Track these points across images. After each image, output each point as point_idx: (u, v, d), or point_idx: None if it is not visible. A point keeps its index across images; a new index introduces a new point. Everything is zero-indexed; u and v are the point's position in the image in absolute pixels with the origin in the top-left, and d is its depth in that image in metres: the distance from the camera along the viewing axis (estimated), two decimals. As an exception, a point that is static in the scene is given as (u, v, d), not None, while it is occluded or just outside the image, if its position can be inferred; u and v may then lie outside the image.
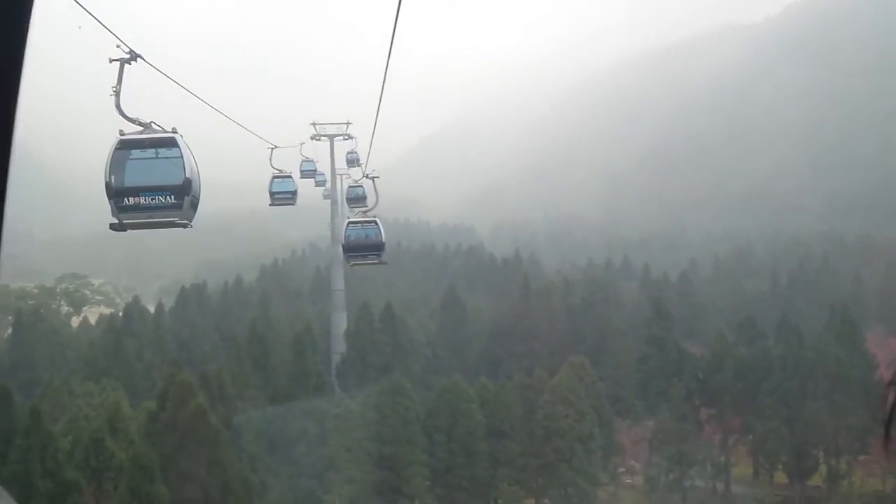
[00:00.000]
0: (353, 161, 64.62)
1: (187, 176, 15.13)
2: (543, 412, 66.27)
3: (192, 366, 71.31)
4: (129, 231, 14.90)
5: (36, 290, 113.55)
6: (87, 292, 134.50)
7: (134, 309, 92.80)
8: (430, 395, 69.36)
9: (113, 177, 14.87)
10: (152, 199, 15.10)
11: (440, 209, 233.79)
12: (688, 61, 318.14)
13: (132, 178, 15.07)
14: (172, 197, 15.15)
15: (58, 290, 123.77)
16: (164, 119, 14.83)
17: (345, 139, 75.95)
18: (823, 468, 71.86)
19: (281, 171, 44.77)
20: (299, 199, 46.70)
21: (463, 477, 64.55)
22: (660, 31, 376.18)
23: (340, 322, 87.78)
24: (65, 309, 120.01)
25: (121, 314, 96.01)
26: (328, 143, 78.55)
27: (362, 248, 32.82)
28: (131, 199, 14.97)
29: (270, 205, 45.31)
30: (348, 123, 76.28)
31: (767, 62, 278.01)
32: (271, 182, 44.38)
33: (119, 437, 54.09)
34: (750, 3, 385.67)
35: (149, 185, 15.12)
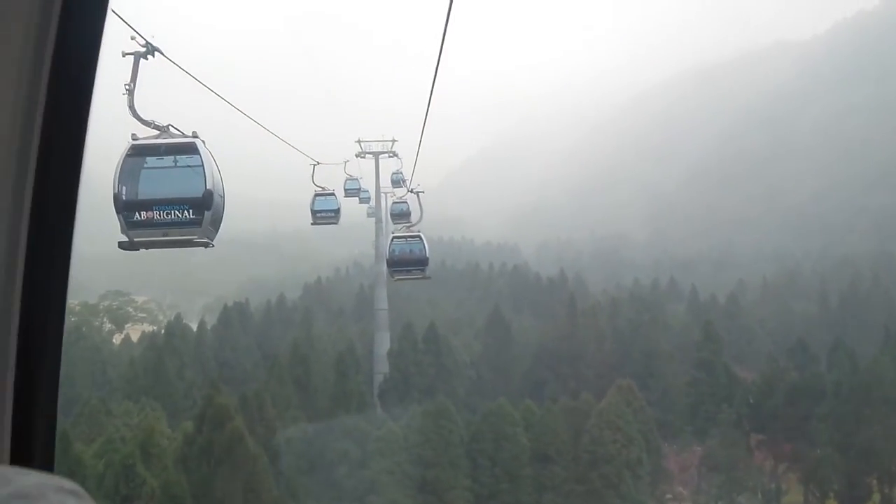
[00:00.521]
0: (398, 182, 63.57)
1: (208, 187, 13.45)
2: (590, 437, 64.86)
3: (234, 385, 70.71)
4: (173, 249, 13.56)
5: (79, 308, 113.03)
6: (131, 309, 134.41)
7: (176, 327, 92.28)
8: (475, 417, 68.19)
9: (123, 188, 13.18)
10: (168, 214, 13.40)
11: (485, 228, 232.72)
12: (736, 79, 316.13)
13: (145, 190, 13.43)
14: (191, 211, 13.50)
15: (101, 307, 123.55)
16: (207, 137, 13.43)
17: (390, 157, 75.04)
18: (877, 496, 69.58)
19: (324, 188, 43.61)
20: (343, 217, 45.73)
21: (507, 502, 63.26)
22: (708, 49, 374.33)
23: (383, 341, 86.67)
24: (107, 326, 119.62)
25: (162, 332, 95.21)
26: (373, 162, 77.93)
27: (406, 263, 33.19)
28: (143, 213, 13.31)
29: (312, 223, 43.95)
30: (393, 141, 75.34)
31: (816, 80, 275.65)
32: (313, 200, 43.06)
33: (152, 462, 53.10)
34: (798, 21, 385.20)
35: (164, 198, 13.43)
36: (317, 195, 43.14)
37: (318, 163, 43.75)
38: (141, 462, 52.18)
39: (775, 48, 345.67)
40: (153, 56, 13.18)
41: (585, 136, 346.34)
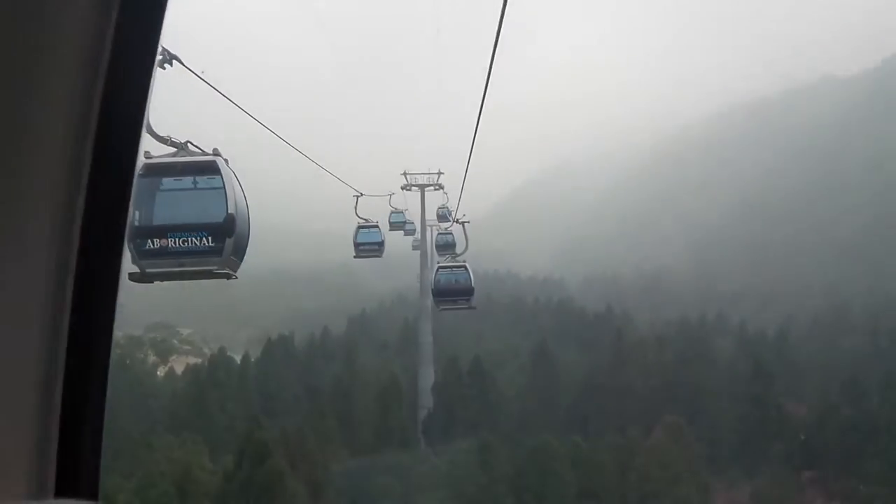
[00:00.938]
0: (444, 216, 63.01)
1: (230, 212, 12.36)
2: (638, 474, 63.79)
3: (276, 418, 70.12)
4: (217, 281, 12.73)
5: (123, 340, 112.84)
6: (176, 342, 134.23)
7: (219, 359, 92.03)
8: (520, 453, 67.17)
9: (135, 212, 11.97)
10: (184, 242, 12.33)
11: (530, 261, 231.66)
12: (783, 113, 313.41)
13: (160, 215, 12.45)
14: (210, 239, 12.42)
15: (145, 339, 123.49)
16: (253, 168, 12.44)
17: (435, 189, 74.70)
18: (931, 534, 68.02)
19: (367, 220, 42.84)
20: (388, 250, 45.35)
21: (553, 541, 62.28)
22: (755, 83, 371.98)
23: (427, 375, 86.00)
24: (151, 359, 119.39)
25: (205, 364, 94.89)
26: (419, 194, 77.61)
27: (452, 293, 33.72)
28: (157, 241, 12.26)
29: (356, 256, 43.39)
30: (440, 173, 75.06)
31: (864, 115, 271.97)
32: (356, 232, 42.32)
33: (190, 498, 52.50)
34: (847, 56, 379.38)
35: (181, 224, 12.40)
36: (360, 227, 42.38)
37: (362, 194, 43.00)
38: (178, 498, 51.59)
39: (823, 83, 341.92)
40: (171, 65, 12.32)
41: (632, 170, 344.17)
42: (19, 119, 2.86)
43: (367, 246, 42.66)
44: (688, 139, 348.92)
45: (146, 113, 3.34)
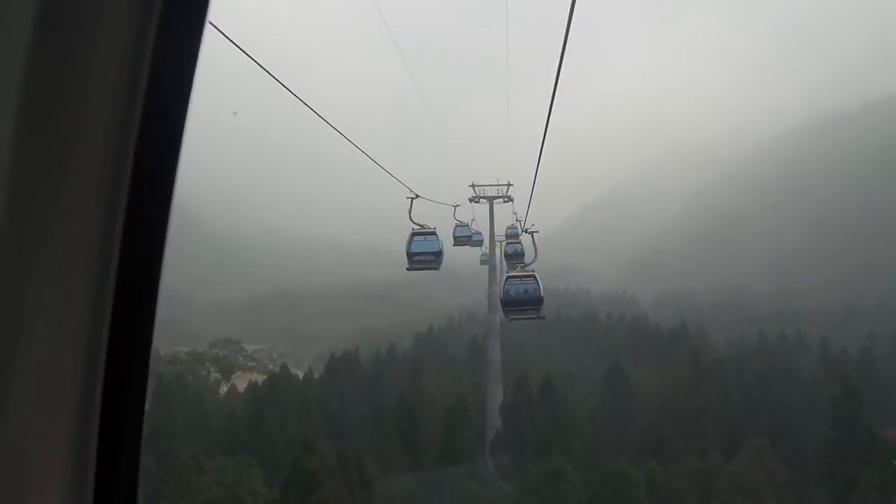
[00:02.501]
0: (513, 236, 59.91)
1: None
2: (720, 502, 60.08)
3: (339, 438, 67.69)
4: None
5: (185, 357, 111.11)
6: (241, 358, 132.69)
7: (281, 376, 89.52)
8: (593, 478, 63.79)
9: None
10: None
11: (601, 277, 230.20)
12: (861, 129, 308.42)
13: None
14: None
15: (208, 355, 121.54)
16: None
17: (504, 201, 73.27)
18: None
19: (423, 226, 37.37)
20: (458, 265, 43.99)
21: (629, 573, 58.90)
22: (833, 100, 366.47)
23: (496, 394, 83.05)
24: (214, 375, 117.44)
25: (266, 381, 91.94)
26: (486, 207, 75.38)
27: (521, 303, 34.17)
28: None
29: (409, 269, 38.21)
30: (509, 185, 72.95)
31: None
32: (410, 241, 37.25)
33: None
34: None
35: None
36: (414, 235, 37.22)
37: (417, 195, 37.18)
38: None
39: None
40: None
41: (706, 185, 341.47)
42: (59, 121, 2.79)
43: (423, 256, 37.45)
44: (763, 155, 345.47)
45: (187, 116, 3.22)
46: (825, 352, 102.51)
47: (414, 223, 37.00)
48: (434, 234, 37.51)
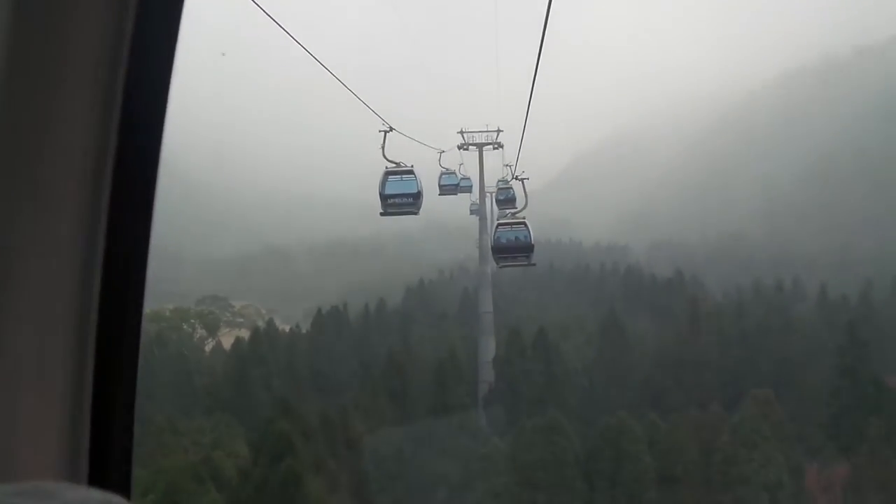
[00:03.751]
0: (506, 200, 55.80)
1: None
2: (723, 455, 58.15)
3: (326, 395, 65.47)
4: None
5: (169, 313, 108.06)
6: (228, 314, 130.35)
7: (266, 333, 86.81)
8: (591, 433, 61.71)
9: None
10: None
11: (594, 229, 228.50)
12: (855, 75, 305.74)
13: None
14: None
15: (193, 311, 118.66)
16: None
17: (494, 148, 70.89)
18: None
19: (399, 164, 33.66)
20: (448, 217, 43.62)
21: (629, 531, 57.02)
22: (826, 45, 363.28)
23: (488, 348, 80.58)
24: (199, 332, 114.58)
25: (250, 338, 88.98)
26: (476, 154, 72.82)
27: (511, 250, 34.47)
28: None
29: (382, 214, 34.41)
30: (499, 131, 70.88)
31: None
32: (384, 181, 33.71)
33: (204, 493, 46.48)
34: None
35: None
36: (388, 174, 33.75)
37: (392, 128, 33.82)
38: (193, 489, 45.51)
39: (893, 43, 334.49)
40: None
41: (698, 134, 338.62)
42: (42, 114, 2.85)
43: (399, 198, 33.63)
44: (755, 103, 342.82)
45: (167, 107, 3.27)
46: (823, 299, 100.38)
47: (388, 160, 33.19)
48: (412, 172, 33.73)
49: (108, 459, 3.14)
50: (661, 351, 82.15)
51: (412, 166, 33.91)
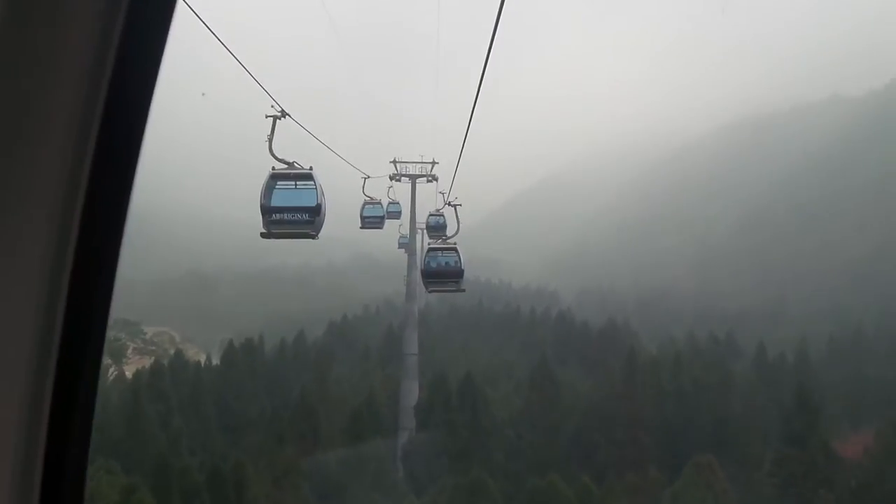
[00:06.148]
0: (437, 227, 50.82)
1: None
2: (663, 528, 53.28)
3: (232, 435, 59.72)
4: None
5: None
6: (140, 341, 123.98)
7: (172, 365, 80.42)
8: (518, 495, 56.52)
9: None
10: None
11: (523, 271, 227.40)
12: (790, 130, 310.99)
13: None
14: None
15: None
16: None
17: (428, 181, 67.11)
18: None
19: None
20: (381, 253, 43.78)
21: None
22: (763, 99, 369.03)
23: (411, 392, 75.74)
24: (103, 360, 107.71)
25: (151, 370, 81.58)
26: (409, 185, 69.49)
27: (441, 275, 34.71)
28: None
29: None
30: (434, 163, 66.28)
31: (871, 134, 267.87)
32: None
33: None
34: (854, 76, 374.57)
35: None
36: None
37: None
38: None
39: (831, 102, 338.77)
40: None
41: (632, 182, 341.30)
42: (19, 116, 2.85)
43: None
44: (692, 154, 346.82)
45: (149, 111, 3.22)
46: (761, 357, 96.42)
47: (277, 159, 24.76)
48: (310, 177, 25.01)
49: (62, 485, 3.02)
50: (594, 404, 77.22)
51: (311, 168, 25.07)
